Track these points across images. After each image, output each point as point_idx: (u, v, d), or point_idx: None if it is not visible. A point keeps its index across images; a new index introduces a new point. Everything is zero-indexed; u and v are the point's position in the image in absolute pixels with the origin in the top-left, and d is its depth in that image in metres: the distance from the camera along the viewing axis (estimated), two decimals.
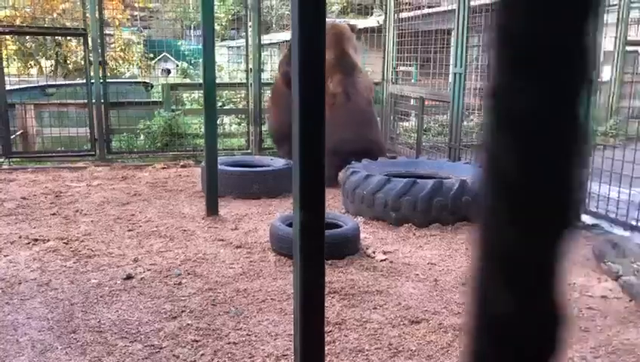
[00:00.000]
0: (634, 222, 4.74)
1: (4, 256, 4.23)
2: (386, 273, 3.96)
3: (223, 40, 16.60)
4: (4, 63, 8.10)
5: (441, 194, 4.91)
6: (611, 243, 4.10)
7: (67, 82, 11.43)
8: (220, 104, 9.60)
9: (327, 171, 2.19)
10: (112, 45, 13.02)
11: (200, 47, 5.69)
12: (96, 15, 7.75)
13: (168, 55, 13.82)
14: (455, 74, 6.66)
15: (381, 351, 2.92)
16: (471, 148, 6.77)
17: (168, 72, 14.05)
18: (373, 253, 4.34)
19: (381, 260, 4.20)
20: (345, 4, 14.27)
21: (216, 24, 9.91)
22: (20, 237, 4.62)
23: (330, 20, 7.65)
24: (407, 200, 4.94)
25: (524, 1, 0.41)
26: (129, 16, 14.68)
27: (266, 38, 10.40)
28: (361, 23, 9.69)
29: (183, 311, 3.34)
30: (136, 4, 14.19)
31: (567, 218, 0.44)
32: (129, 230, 4.88)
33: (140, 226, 4.98)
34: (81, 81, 9.13)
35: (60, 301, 3.47)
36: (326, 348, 2.51)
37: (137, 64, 14.30)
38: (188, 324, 3.18)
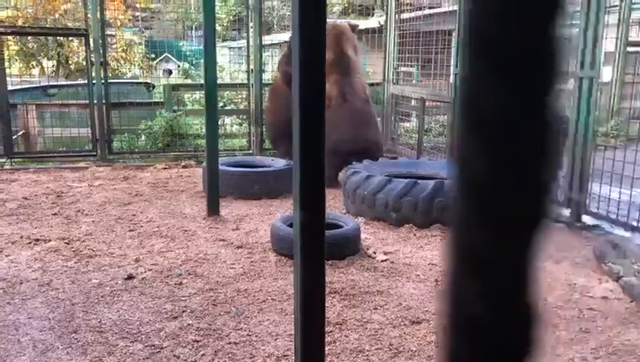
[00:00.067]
0: (635, 223, 4.74)
1: (6, 255, 4.24)
2: (386, 273, 3.97)
3: (224, 41, 16.61)
4: (6, 64, 8.12)
5: (442, 195, 4.91)
6: (612, 244, 4.09)
7: (69, 83, 11.45)
8: (221, 105, 9.60)
9: (326, 171, 2.19)
10: (114, 46, 13.03)
11: (201, 47, 5.70)
12: (98, 16, 7.77)
13: (170, 56, 13.83)
14: (456, 75, 6.66)
15: (382, 352, 2.92)
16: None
17: (170, 72, 14.06)
18: (374, 253, 4.34)
19: (382, 260, 4.20)
20: (346, 5, 14.28)
21: (217, 25, 9.93)
22: (21, 237, 4.63)
23: (331, 21, 7.65)
24: (408, 200, 4.95)
25: (494, 5, 0.41)
26: (130, 17, 14.69)
27: (267, 39, 10.40)
28: (363, 23, 9.69)
29: (183, 311, 3.34)
30: (137, 5, 14.20)
31: (538, 220, 0.45)
32: (130, 230, 4.88)
33: (141, 226, 4.99)
34: (82, 82, 9.14)
35: (61, 301, 3.48)
36: (326, 349, 2.51)
37: (139, 65, 14.31)
38: (189, 324, 3.18)
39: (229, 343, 2.99)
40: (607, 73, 8.75)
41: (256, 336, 3.06)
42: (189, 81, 13.03)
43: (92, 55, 7.82)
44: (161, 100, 9.11)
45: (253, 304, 3.46)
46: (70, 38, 12.83)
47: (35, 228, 4.93)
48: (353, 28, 7.38)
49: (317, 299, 2.18)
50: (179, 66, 14.53)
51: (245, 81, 8.78)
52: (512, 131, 0.42)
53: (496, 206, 0.44)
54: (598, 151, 5.17)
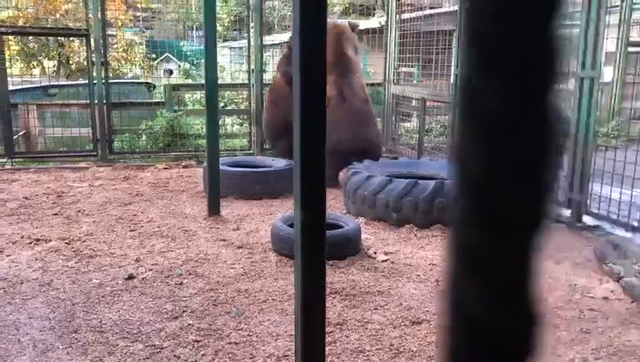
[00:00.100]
0: (635, 224, 4.73)
1: (7, 255, 4.24)
2: (387, 274, 3.96)
3: (225, 41, 16.63)
4: (7, 64, 8.12)
5: (442, 195, 4.91)
6: (613, 245, 4.09)
7: (69, 83, 11.46)
8: (221, 105, 9.60)
9: (327, 171, 2.19)
10: (115, 46, 13.04)
11: (202, 47, 5.69)
12: (99, 16, 7.77)
13: (170, 56, 13.85)
14: (457, 75, 6.66)
15: (382, 352, 2.92)
16: None
17: (170, 72, 14.08)
18: (375, 253, 4.34)
19: (382, 261, 4.20)
20: (347, 5, 14.28)
21: (218, 25, 9.93)
22: (21, 237, 4.63)
23: (331, 21, 7.64)
24: (408, 201, 4.94)
25: (492, 3, 0.41)
26: (131, 17, 14.71)
27: (268, 39, 10.40)
28: (363, 23, 9.69)
29: (184, 311, 3.34)
30: (138, 5, 14.21)
31: (539, 220, 0.44)
32: (131, 230, 4.88)
33: (142, 226, 4.99)
34: (83, 82, 9.14)
35: (62, 301, 3.48)
36: (327, 349, 2.51)
37: (140, 65, 14.32)
38: (189, 324, 3.18)
39: (230, 343, 2.99)
40: (608, 73, 8.75)
41: (256, 336, 3.06)
42: (189, 81, 13.04)
43: (93, 55, 7.82)
44: (162, 100, 9.12)
45: (253, 304, 3.45)
46: (71, 38, 12.85)
47: (36, 228, 4.94)
48: (353, 27, 7.37)
49: (317, 299, 2.18)
50: (179, 66, 14.55)
51: (246, 81, 8.78)
52: (511, 130, 0.42)
53: (496, 206, 0.44)
54: (598, 152, 5.17)
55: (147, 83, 11.26)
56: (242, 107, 9.65)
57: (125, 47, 14.06)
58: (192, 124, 8.73)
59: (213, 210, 5.31)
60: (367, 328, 3.16)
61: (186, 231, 4.87)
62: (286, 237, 4.09)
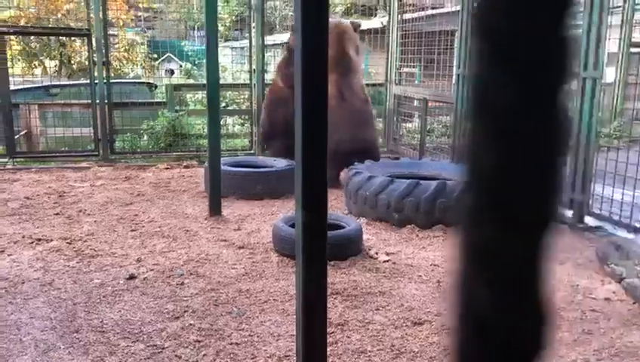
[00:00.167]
0: (638, 225, 4.73)
1: (8, 255, 4.24)
2: (388, 274, 3.96)
3: (226, 41, 16.63)
4: (9, 63, 8.13)
5: (444, 196, 4.90)
6: (615, 246, 4.08)
7: (71, 82, 11.46)
8: (223, 105, 9.61)
9: (327, 172, 2.18)
10: (116, 46, 13.04)
11: (203, 47, 5.70)
12: (100, 15, 7.78)
13: (172, 56, 13.85)
14: (459, 75, 6.66)
15: (383, 353, 2.91)
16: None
17: (172, 72, 14.07)
18: (376, 254, 4.33)
19: (384, 261, 4.20)
20: (349, 5, 14.27)
21: (219, 25, 9.93)
22: (23, 237, 4.64)
23: (334, 20, 7.62)
24: (410, 201, 4.94)
25: (504, 1, 0.41)
26: (133, 17, 14.72)
27: (269, 39, 10.41)
28: (365, 24, 9.68)
29: (185, 312, 3.34)
30: (140, 5, 14.22)
31: (548, 217, 0.44)
32: (132, 230, 4.88)
33: (143, 226, 4.99)
34: (84, 82, 9.15)
35: (63, 301, 3.48)
36: (328, 349, 2.50)
37: (141, 64, 14.34)
38: (190, 324, 3.18)
39: (231, 343, 2.99)
40: (610, 74, 8.74)
41: (257, 337, 3.06)
42: (191, 81, 13.04)
43: (94, 55, 7.83)
44: (164, 100, 9.13)
45: (254, 304, 3.45)
46: (73, 38, 12.85)
47: (37, 227, 4.94)
48: (355, 27, 7.36)
49: (319, 300, 2.18)
50: (181, 66, 14.55)
51: (247, 82, 8.79)
52: (522, 125, 0.42)
53: (508, 200, 0.43)
54: (600, 152, 5.16)
55: (149, 83, 11.27)
56: (243, 107, 9.65)
57: (127, 47, 14.07)
58: (193, 124, 8.73)
59: (215, 210, 5.31)
60: (368, 329, 3.16)
61: (188, 231, 4.87)
62: (287, 237, 4.09)
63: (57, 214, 5.35)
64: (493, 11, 0.41)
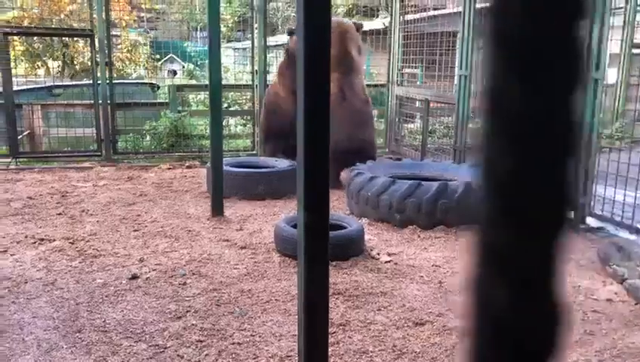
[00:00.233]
0: (639, 226, 4.72)
1: (11, 255, 4.26)
2: (390, 274, 3.97)
3: (229, 41, 16.65)
4: (12, 64, 8.15)
5: (445, 197, 4.91)
6: (616, 247, 4.08)
7: (74, 83, 11.51)
8: (225, 105, 9.63)
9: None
10: (119, 46, 13.08)
11: (206, 48, 5.71)
12: (103, 16, 7.80)
13: (174, 56, 13.87)
14: (461, 76, 6.66)
15: (385, 353, 2.92)
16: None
17: (174, 73, 14.10)
18: (378, 254, 4.34)
19: (385, 262, 4.20)
20: (350, 6, 14.28)
21: (222, 26, 9.94)
22: (26, 237, 4.65)
23: (336, 19, 7.62)
24: (411, 202, 4.94)
25: (518, 4, 0.42)
26: (136, 18, 14.74)
27: (271, 40, 10.42)
28: (367, 24, 9.69)
29: (187, 311, 3.35)
30: (142, 6, 14.24)
31: (562, 219, 0.45)
32: (134, 230, 4.90)
33: (146, 226, 5.00)
34: (87, 82, 9.19)
35: (66, 300, 3.49)
36: (330, 349, 2.51)
37: (144, 65, 14.36)
38: (192, 324, 3.19)
39: (233, 343, 3.00)
40: (612, 75, 8.73)
41: (259, 337, 3.07)
42: (193, 82, 13.06)
43: (97, 55, 7.85)
44: (166, 101, 9.14)
45: (256, 304, 3.46)
46: (75, 39, 12.88)
47: (40, 227, 4.95)
48: (358, 27, 7.36)
49: (321, 300, 2.18)
50: (183, 67, 14.57)
51: (250, 82, 8.80)
52: (537, 130, 0.43)
53: (523, 205, 0.44)
54: (602, 153, 5.15)
55: (151, 83, 11.30)
56: (246, 108, 9.67)
57: (129, 48, 14.10)
58: (195, 125, 8.75)
59: (217, 210, 5.32)
60: (370, 329, 3.16)
61: (190, 231, 4.88)
62: (289, 237, 4.10)
63: (60, 214, 5.37)
64: (507, 16, 0.42)
